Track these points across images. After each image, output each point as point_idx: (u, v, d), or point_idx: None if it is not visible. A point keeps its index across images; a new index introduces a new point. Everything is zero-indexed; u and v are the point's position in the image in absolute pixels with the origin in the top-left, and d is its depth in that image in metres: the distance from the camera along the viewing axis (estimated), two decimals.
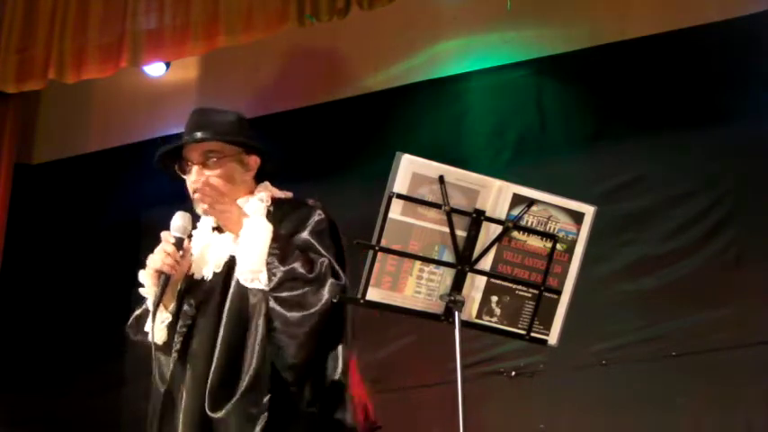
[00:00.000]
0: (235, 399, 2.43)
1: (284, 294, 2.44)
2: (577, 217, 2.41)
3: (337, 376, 2.48)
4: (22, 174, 5.29)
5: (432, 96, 5.12)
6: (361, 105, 5.20)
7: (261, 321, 2.48)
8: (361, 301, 2.25)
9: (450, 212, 2.26)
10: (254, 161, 2.74)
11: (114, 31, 4.59)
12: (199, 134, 2.66)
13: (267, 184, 2.78)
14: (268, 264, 2.48)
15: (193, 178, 2.66)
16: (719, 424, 4.18)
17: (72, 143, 5.75)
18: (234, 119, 2.75)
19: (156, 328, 2.59)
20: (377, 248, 2.22)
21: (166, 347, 2.60)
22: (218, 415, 2.42)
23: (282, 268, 2.46)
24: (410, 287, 2.30)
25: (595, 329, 4.41)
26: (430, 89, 5.14)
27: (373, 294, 2.28)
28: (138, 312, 2.76)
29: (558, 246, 2.38)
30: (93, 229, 5.53)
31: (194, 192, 2.65)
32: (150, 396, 2.67)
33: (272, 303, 2.45)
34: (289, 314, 2.43)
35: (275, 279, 2.46)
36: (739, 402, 4.17)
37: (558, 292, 2.42)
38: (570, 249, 2.42)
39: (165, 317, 2.62)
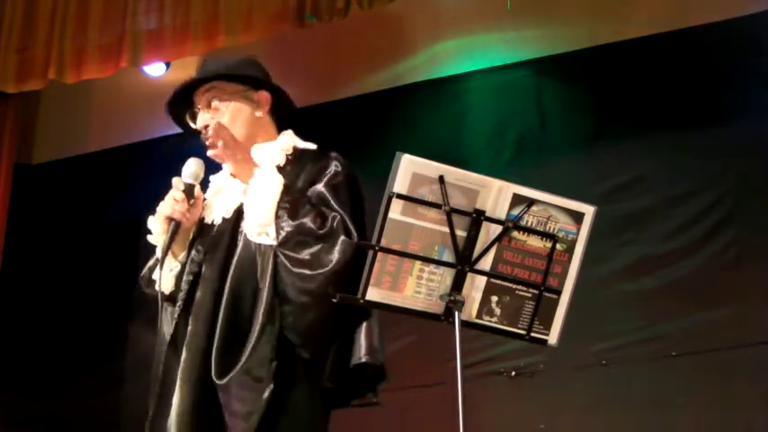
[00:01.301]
0: (240, 365, 2.30)
1: (293, 251, 2.33)
2: (577, 217, 2.41)
3: (363, 357, 2.38)
4: (22, 174, 5.29)
5: (432, 96, 5.13)
6: (361, 105, 5.20)
7: (268, 279, 2.36)
8: (361, 301, 2.24)
9: (450, 212, 2.26)
10: (265, 97, 2.60)
11: (114, 31, 4.59)
12: (198, 76, 2.57)
13: (291, 132, 2.64)
14: (277, 218, 2.37)
15: (199, 124, 2.56)
16: (719, 424, 4.18)
17: (72, 143, 5.76)
18: (238, 59, 2.64)
19: (164, 277, 2.46)
20: (377, 248, 2.22)
21: (174, 297, 2.47)
22: (223, 381, 2.30)
23: (292, 223, 2.35)
24: (410, 287, 2.30)
25: (595, 329, 4.41)
26: (430, 89, 5.15)
27: (373, 294, 2.27)
28: (150, 263, 2.62)
29: (558, 246, 2.38)
30: (93, 229, 5.53)
31: (204, 139, 2.55)
32: (155, 353, 2.55)
33: (280, 259, 2.35)
34: (297, 271, 2.32)
35: (283, 234, 2.34)
36: (739, 402, 4.17)
37: (558, 292, 2.42)
38: (570, 249, 2.42)
39: (173, 265, 2.50)
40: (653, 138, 4.66)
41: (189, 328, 2.40)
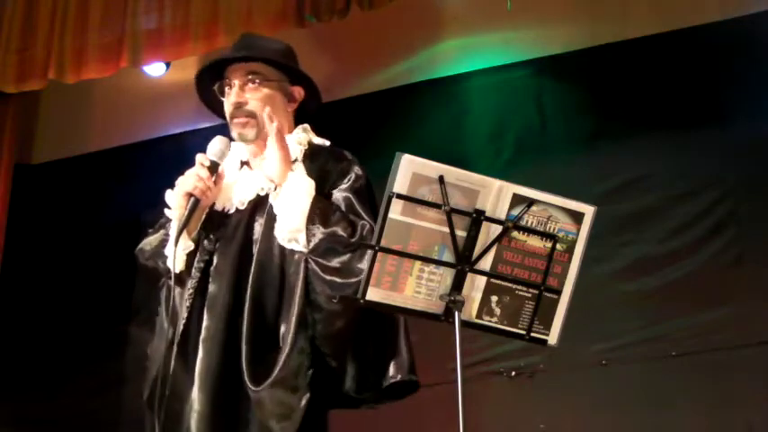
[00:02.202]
0: (274, 374, 2.29)
1: (324, 259, 2.34)
2: (577, 217, 2.41)
3: (400, 375, 2.39)
4: (22, 174, 5.29)
5: (432, 96, 5.13)
6: (361, 105, 5.20)
7: (299, 286, 2.35)
8: (361, 301, 2.24)
9: (450, 212, 2.26)
10: (299, 93, 2.63)
11: (114, 31, 4.59)
12: (244, 52, 2.56)
13: (307, 126, 2.66)
14: (309, 224, 2.37)
15: (233, 99, 2.54)
16: (719, 424, 4.18)
17: (72, 143, 5.75)
18: (283, 47, 2.64)
19: (178, 255, 2.43)
20: (377, 248, 2.22)
21: (181, 279, 2.45)
22: (259, 389, 2.29)
23: (324, 230, 2.36)
24: (410, 287, 2.30)
25: (595, 329, 4.41)
26: (430, 89, 5.15)
27: (373, 294, 2.27)
28: (155, 236, 2.59)
29: (558, 246, 2.38)
30: (93, 230, 5.53)
31: (231, 115, 2.55)
32: (155, 336, 2.53)
33: (312, 266, 2.35)
34: (328, 279, 2.33)
35: (315, 241, 2.35)
36: (739, 402, 4.17)
37: (558, 292, 2.42)
38: (570, 249, 2.42)
39: (188, 245, 2.47)
40: (653, 138, 4.66)
41: (204, 322, 2.38)
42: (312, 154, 2.57)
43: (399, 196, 2.23)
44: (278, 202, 2.43)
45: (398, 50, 5.18)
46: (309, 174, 2.48)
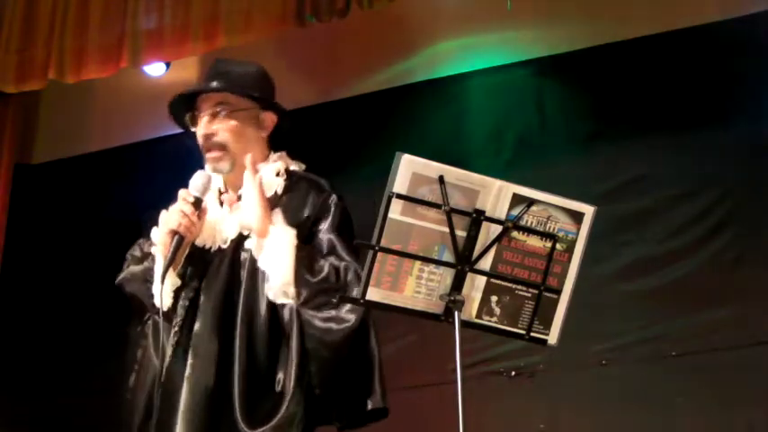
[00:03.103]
0: (273, 422, 2.35)
1: (317, 310, 2.39)
2: (577, 217, 2.41)
3: (380, 403, 2.47)
4: (22, 174, 5.29)
5: (432, 96, 5.13)
6: (361, 105, 5.20)
7: (295, 338, 2.40)
8: (361, 301, 2.24)
9: (450, 212, 2.26)
10: (271, 119, 2.61)
11: (114, 31, 4.59)
12: (213, 84, 2.55)
13: (284, 154, 2.65)
14: (297, 278, 2.40)
15: (202, 131, 2.55)
16: (719, 424, 4.18)
17: (72, 143, 5.75)
18: (254, 71, 2.63)
19: (165, 293, 2.44)
20: (377, 248, 2.22)
21: (168, 316, 2.47)
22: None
23: (312, 280, 2.41)
24: (410, 287, 2.30)
25: (595, 329, 4.41)
26: (430, 89, 5.15)
27: (373, 294, 2.28)
28: (138, 269, 2.60)
29: (558, 245, 2.38)
30: (93, 230, 5.53)
31: (202, 147, 2.55)
32: (139, 368, 2.55)
33: (305, 318, 2.40)
34: (322, 327, 2.39)
35: (305, 293, 2.40)
36: (739, 402, 4.17)
37: (558, 292, 2.42)
38: (570, 249, 2.42)
39: (174, 281, 2.49)
40: (653, 138, 4.66)
41: (189, 360, 2.42)
42: (292, 185, 2.59)
43: (399, 196, 2.23)
44: (263, 259, 2.45)
45: (398, 50, 5.18)
46: (296, 206, 2.51)
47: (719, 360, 4.24)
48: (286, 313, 2.43)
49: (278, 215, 2.50)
